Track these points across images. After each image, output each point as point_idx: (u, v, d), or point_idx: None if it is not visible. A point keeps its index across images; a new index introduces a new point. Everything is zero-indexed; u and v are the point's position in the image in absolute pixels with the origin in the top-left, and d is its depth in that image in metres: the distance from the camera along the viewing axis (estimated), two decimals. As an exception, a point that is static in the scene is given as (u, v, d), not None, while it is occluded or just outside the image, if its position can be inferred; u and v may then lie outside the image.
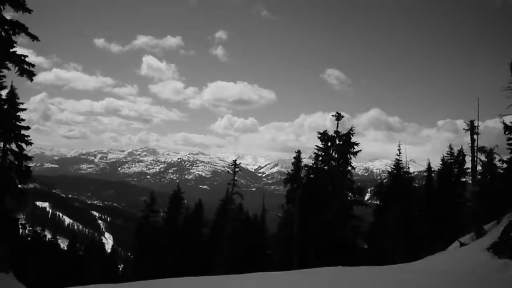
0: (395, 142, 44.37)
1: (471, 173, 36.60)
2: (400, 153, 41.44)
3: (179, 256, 49.42)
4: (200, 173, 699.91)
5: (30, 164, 31.89)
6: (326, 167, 41.75)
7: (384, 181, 44.88)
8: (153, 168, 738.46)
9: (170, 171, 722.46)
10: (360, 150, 42.46)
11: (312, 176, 42.43)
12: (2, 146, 29.39)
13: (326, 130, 41.78)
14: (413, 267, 28.23)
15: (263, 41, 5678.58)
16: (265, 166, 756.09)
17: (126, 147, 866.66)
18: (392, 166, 42.15)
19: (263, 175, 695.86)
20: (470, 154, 34.83)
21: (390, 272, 26.65)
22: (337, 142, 41.35)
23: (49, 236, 75.60)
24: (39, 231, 69.19)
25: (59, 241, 73.38)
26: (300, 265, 39.10)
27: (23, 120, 30.27)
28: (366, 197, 45.20)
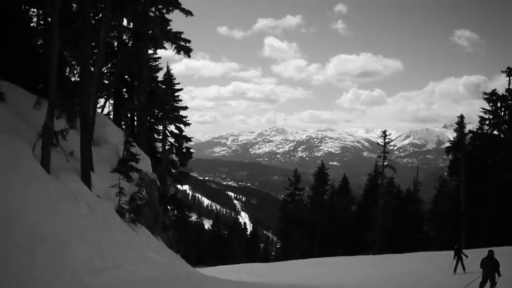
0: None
1: None
2: None
3: (327, 233, 47.70)
4: (329, 149, 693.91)
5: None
6: (495, 132, 36.70)
7: None
8: (282, 147, 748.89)
9: (299, 149, 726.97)
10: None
11: (477, 143, 37.66)
12: (162, 128, 29.34)
13: (495, 89, 36.75)
14: None
15: (384, 9, 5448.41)
16: (396, 138, 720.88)
17: (255, 128, 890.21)
18: None
19: (395, 148, 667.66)
20: None
21: None
22: (510, 102, 35.96)
23: (193, 217, 78.78)
24: (186, 212, 72.20)
25: (203, 221, 75.79)
26: (468, 243, 35.07)
27: (180, 100, 30.14)
28: None
